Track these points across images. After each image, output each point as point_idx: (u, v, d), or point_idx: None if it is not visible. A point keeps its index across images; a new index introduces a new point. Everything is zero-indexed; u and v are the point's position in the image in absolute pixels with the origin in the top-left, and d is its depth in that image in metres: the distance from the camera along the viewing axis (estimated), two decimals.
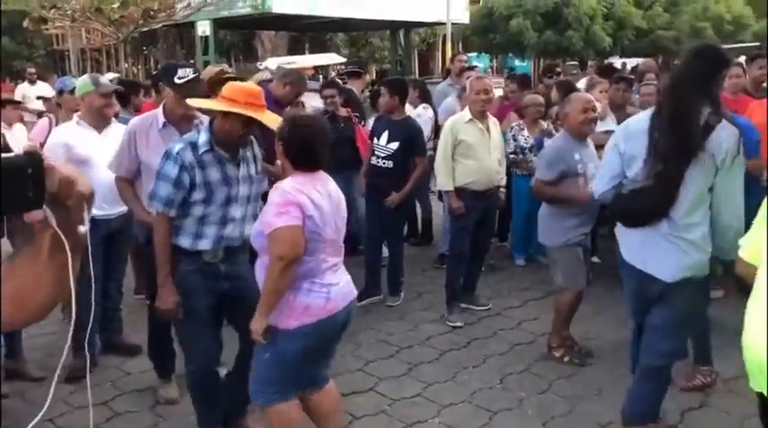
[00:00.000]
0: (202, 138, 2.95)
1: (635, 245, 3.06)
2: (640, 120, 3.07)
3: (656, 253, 2.96)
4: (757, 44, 15.24)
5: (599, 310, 4.86)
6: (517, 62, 24.94)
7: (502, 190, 5.09)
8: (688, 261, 2.92)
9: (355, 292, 2.95)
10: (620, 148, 3.06)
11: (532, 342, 4.54)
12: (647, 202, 2.95)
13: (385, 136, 5.14)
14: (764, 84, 5.67)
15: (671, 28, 19.72)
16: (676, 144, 2.85)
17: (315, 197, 2.70)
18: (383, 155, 5.14)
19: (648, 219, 2.97)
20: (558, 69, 8.74)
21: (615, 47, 19.69)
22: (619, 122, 5.62)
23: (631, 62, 14.75)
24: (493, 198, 4.95)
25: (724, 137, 2.83)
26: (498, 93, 6.21)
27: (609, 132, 5.55)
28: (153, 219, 3.05)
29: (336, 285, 2.79)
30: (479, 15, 20.44)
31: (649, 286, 3.03)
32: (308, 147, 2.76)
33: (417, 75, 22.76)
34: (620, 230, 3.18)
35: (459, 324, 4.78)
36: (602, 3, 18.68)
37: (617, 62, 15.74)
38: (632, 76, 7.11)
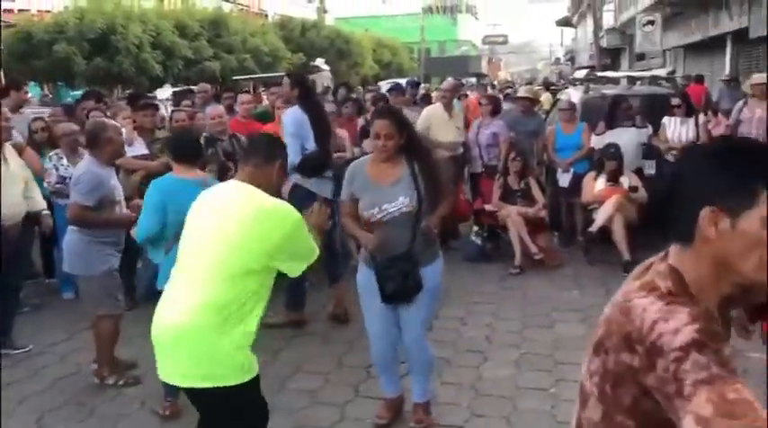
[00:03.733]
0: None
1: None
2: None
3: None
4: (286, 73, 17.35)
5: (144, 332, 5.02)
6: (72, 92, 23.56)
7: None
8: None
9: None
10: None
11: (77, 373, 4.48)
12: None
13: None
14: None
15: (217, 58, 21.03)
16: None
17: None
18: None
19: None
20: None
21: (167, 74, 20.14)
22: (148, 146, 5.91)
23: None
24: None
25: None
26: None
27: (138, 156, 5.79)
28: None
29: None
30: (15, 39, 18.76)
31: None
32: None
33: None
34: None
35: None
36: (148, 32, 18.94)
37: (167, 91, 16.12)
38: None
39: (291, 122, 5.12)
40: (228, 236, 2.56)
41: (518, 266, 6.71)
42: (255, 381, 2.68)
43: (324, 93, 10.49)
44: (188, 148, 3.92)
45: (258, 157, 2.77)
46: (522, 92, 8.97)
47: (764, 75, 8.62)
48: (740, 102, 8.50)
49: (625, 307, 1.33)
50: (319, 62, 14.76)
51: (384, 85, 14.27)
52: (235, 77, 19.74)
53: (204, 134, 5.75)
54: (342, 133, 6.87)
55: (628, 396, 1.33)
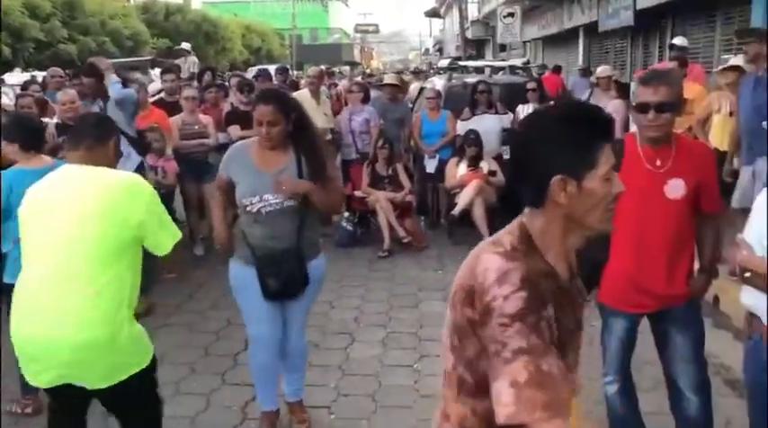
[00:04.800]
0: None
1: None
2: None
3: None
4: (150, 58, 16.59)
5: None
6: None
7: None
8: None
9: None
10: None
11: None
12: None
13: None
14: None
15: (72, 41, 19.82)
16: None
17: None
18: None
19: None
20: None
21: (17, 58, 18.75)
22: None
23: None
24: None
25: None
26: None
27: None
28: None
29: None
30: None
31: None
32: None
33: None
34: None
35: None
36: None
37: (17, 76, 14.98)
38: None
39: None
40: (94, 221, 2.41)
41: (387, 249, 6.87)
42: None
43: (190, 79, 10.16)
44: (27, 134, 3.62)
45: (90, 139, 2.62)
46: (388, 79, 9.14)
47: (608, 67, 9.31)
48: (587, 92, 9.14)
49: (473, 262, 1.45)
50: (185, 46, 14.23)
51: (252, 71, 14.01)
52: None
53: (56, 120, 5.44)
54: (206, 119, 6.73)
55: (471, 349, 1.45)
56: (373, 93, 9.09)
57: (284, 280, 3.19)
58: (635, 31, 13.50)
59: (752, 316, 2.36)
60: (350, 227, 7.34)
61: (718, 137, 5.82)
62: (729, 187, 5.13)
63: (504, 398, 1.31)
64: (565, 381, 1.35)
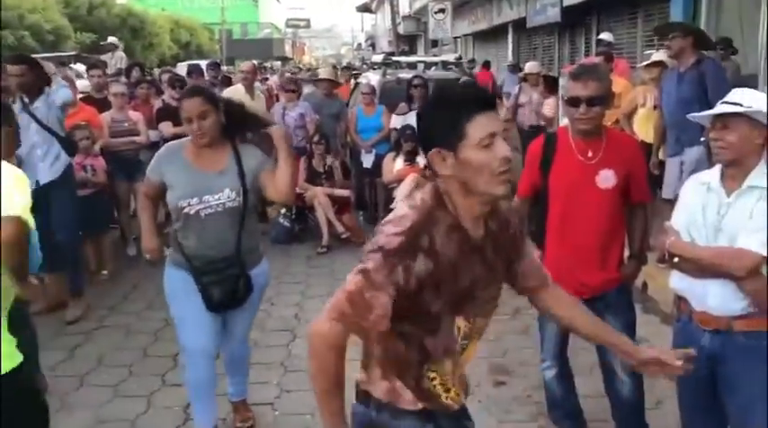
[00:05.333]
0: None
1: None
2: None
3: None
4: (75, 53, 16.05)
5: None
6: None
7: None
8: None
9: None
10: None
11: None
12: None
13: None
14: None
15: None
16: None
17: None
18: None
19: None
20: None
21: None
22: None
23: None
24: None
25: None
26: None
27: None
28: None
29: None
30: None
31: None
32: None
33: None
34: None
35: None
36: None
37: None
38: None
39: None
40: None
41: (325, 245, 6.87)
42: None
43: (116, 74, 9.86)
44: None
45: None
46: (323, 73, 9.11)
47: (536, 64, 9.54)
48: (516, 88, 9.34)
49: (384, 221, 1.60)
50: (113, 40, 13.77)
51: (182, 67, 13.70)
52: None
53: None
54: (136, 116, 6.56)
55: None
56: (307, 89, 9.06)
57: (227, 290, 3.03)
58: (562, 27, 13.88)
59: (679, 299, 2.48)
60: (287, 224, 7.29)
61: (643, 129, 6.05)
62: (656, 178, 5.35)
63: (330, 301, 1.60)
64: (379, 319, 1.55)
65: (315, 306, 5.34)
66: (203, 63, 11.16)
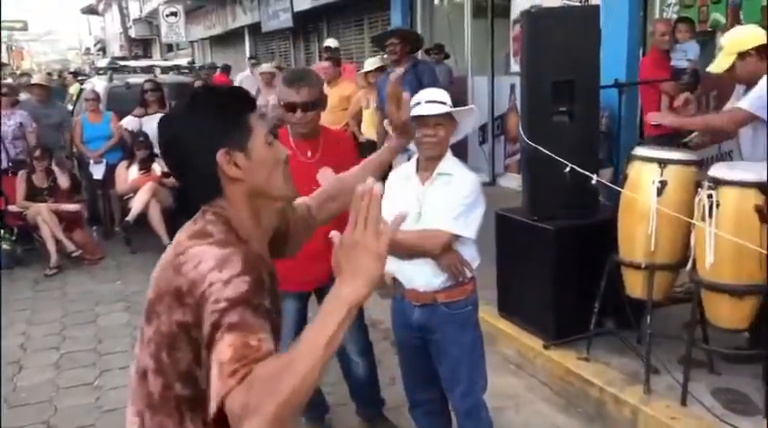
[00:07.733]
0: None
1: None
2: None
3: None
4: None
5: None
6: None
7: None
8: None
9: None
10: None
11: None
12: None
13: None
14: None
15: None
16: None
17: None
18: None
19: None
20: None
21: None
22: None
23: None
24: None
25: None
26: None
27: None
28: None
29: None
30: None
31: None
32: None
33: None
34: None
35: None
36: None
37: None
38: None
39: None
40: None
41: (54, 266, 6.33)
42: None
43: None
44: None
45: None
46: (36, 79, 8.38)
47: (272, 64, 9.71)
48: (255, 88, 9.42)
49: (177, 261, 1.30)
50: None
51: None
52: None
53: None
54: None
55: (184, 362, 1.31)
56: (23, 96, 8.25)
57: None
58: (295, 32, 14.28)
59: (394, 280, 2.73)
60: (7, 246, 6.58)
61: (369, 128, 6.49)
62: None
63: (213, 382, 1.15)
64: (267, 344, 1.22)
65: (44, 331, 4.92)
66: None
